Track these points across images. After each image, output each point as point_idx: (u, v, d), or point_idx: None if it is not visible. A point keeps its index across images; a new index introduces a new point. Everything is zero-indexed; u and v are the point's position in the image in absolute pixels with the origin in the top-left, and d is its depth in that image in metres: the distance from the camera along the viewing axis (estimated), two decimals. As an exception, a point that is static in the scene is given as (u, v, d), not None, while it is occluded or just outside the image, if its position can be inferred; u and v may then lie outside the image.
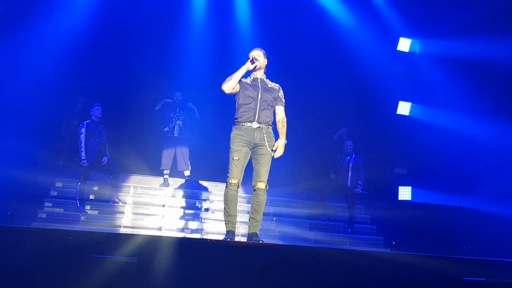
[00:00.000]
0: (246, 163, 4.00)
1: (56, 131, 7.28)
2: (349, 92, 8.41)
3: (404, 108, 8.67)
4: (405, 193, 8.29)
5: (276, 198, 6.95)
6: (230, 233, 3.90)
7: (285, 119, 4.12)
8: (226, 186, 3.94)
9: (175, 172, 7.13)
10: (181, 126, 7.06)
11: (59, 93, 7.11)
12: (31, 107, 6.68)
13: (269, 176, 3.99)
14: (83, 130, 6.21)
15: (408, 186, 8.36)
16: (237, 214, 4.04)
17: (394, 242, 6.54)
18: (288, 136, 4.10)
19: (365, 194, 6.86)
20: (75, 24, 7.33)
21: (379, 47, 8.53)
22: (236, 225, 4.00)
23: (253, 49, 4.15)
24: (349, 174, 6.80)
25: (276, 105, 4.12)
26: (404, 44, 8.82)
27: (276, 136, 4.08)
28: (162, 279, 3.12)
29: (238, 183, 3.91)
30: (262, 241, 3.82)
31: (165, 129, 7.04)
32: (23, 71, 6.76)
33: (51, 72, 6.90)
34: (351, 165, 6.85)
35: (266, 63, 4.16)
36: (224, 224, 3.99)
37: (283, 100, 4.16)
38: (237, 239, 5.77)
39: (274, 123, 4.12)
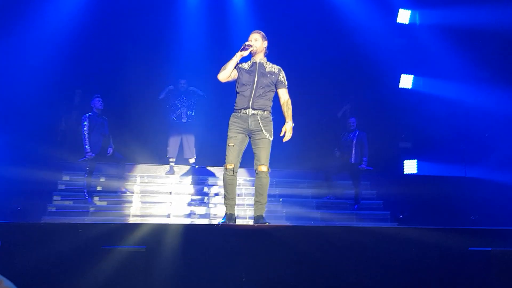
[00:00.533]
0: (243, 149, 4.04)
1: (56, 125, 7.29)
2: (350, 67, 8.33)
3: (406, 80, 8.58)
4: (410, 166, 8.28)
5: (281, 179, 6.96)
6: (229, 215, 3.99)
7: (289, 101, 4.06)
8: (224, 171, 4.00)
9: (181, 159, 7.16)
10: (188, 112, 7.05)
11: (56, 86, 7.10)
12: (30, 103, 6.69)
13: (273, 158, 4.00)
14: (85, 123, 6.20)
15: (414, 159, 8.33)
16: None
17: (401, 216, 6.57)
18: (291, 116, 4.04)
19: (370, 170, 6.87)
20: (69, 13, 7.25)
21: (379, 20, 8.39)
22: (235, 208, 4.08)
23: (252, 32, 4.07)
24: (353, 151, 6.82)
25: (278, 88, 4.06)
26: (404, 16, 8.67)
27: (274, 121, 4.06)
28: (170, 266, 3.17)
29: (234, 168, 3.96)
30: (268, 223, 3.86)
31: (173, 117, 7.03)
32: (18, 66, 6.72)
33: (46, 66, 6.86)
34: (354, 142, 6.85)
35: (266, 45, 4.07)
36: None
37: (286, 82, 4.08)
38: (244, 221, 5.84)
39: (275, 107, 4.08)
